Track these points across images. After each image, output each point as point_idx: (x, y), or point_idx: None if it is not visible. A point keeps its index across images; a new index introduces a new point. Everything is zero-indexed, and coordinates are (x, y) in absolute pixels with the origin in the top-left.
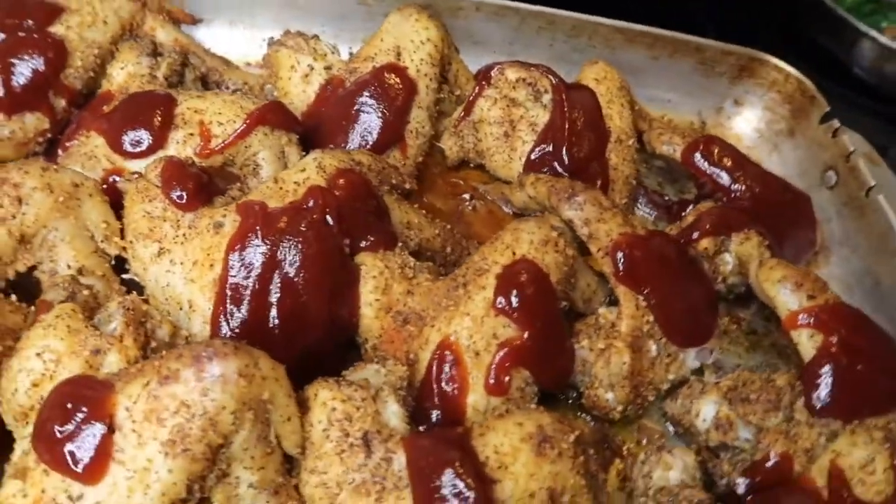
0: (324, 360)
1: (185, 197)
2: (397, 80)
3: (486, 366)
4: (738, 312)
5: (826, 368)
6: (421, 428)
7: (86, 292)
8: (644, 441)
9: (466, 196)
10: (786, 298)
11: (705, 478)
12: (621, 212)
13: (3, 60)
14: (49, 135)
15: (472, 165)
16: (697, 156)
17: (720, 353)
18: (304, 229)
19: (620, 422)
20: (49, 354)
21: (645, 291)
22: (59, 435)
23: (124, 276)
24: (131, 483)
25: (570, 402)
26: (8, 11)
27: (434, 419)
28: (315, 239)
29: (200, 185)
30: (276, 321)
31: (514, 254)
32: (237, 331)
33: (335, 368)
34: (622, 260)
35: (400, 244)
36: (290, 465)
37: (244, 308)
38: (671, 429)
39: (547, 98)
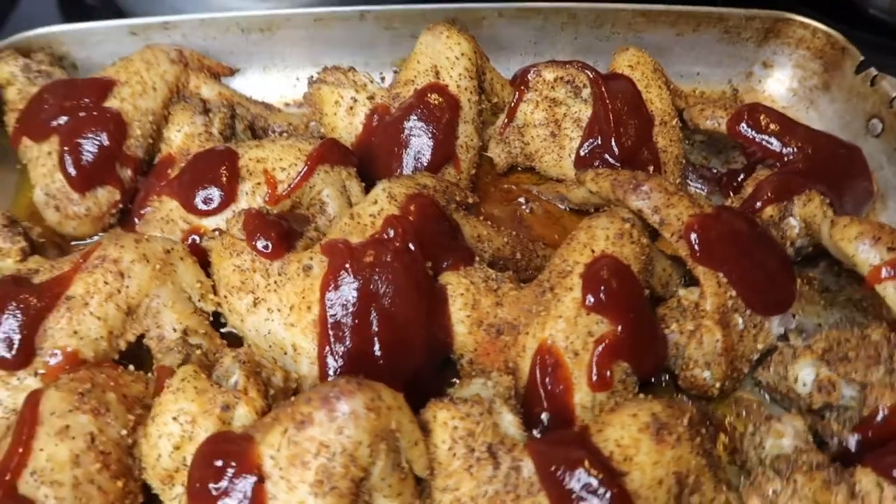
0: (426, 382)
1: (270, 246)
2: (440, 98)
3: (587, 364)
4: (807, 273)
5: None
6: (534, 432)
7: (198, 352)
8: (743, 413)
9: (522, 200)
10: (865, 255)
11: (816, 440)
12: (687, 194)
13: (70, 142)
14: (121, 205)
15: (520, 169)
16: (743, 125)
17: (800, 316)
18: (390, 259)
19: (717, 397)
20: (184, 417)
21: (724, 268)
22: (214, 493)
23: (222, 330)
24: None
25: (665, 385)
26: (63, 94)
27: (543, 421)
28: (403, 267)
29: (282, 231)
30: (381, 351)
31: (592, 251)
32: (344, 366)
33: (437, 388)
34: (697, 241)
35: (477, 258)
36: (420, 486)
37: (347, 343)
38: (767, 397)
39: (587, 92)
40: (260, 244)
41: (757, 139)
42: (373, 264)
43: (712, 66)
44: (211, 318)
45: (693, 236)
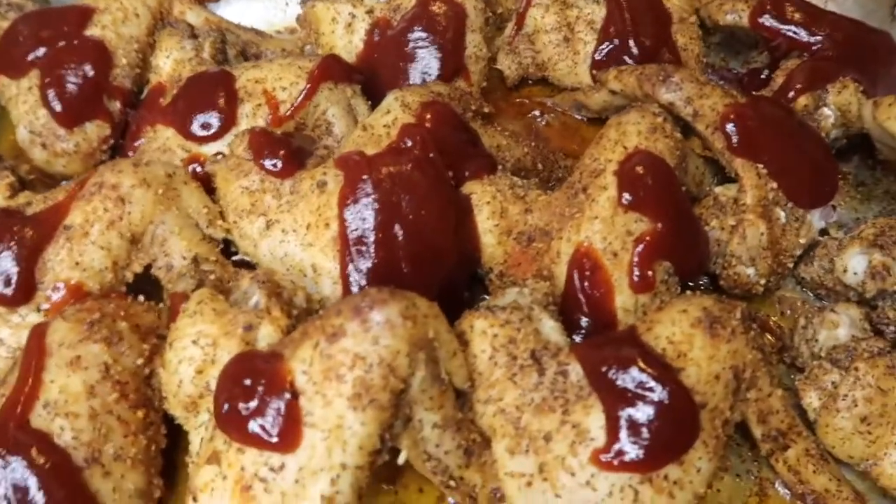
0: (456, 297)
1: (280, 164)
2: (444, 7)
3: (627, 264)
4: (841, 167)
5: None
6: (575, 338)
7: (212, 277)
8: (787, 311)
9: (536, 112)
10: None
11: (872, 329)
12: (719, 84)
13: (51, 74)
14: (111, 140)
15: (531, 82)
16: (767, 17)
17: (840, 211)
18: (411, 168)
19: (758, 297)
20: (204, 339)
21: (763, 158)
22: (245, 412)
23: (233, 258)
24: (328, 443)
25: (703, 289)
26: (39, 23)
27: (584, 326)
28: (425, 175)
29: (291, 148)
30: (407, 266)
31: (625, 148)
32: (369, 284)
33: (466, 306)
34: (734, 131)
35: (499, 167)
36: (460, 400)
37: (372, 259)
38: (810, 294)
39: None
40: (269, 163)
41: (783, 30)
42: (393, 174)
43: None
44: (221, 247)
45: (730, 126)
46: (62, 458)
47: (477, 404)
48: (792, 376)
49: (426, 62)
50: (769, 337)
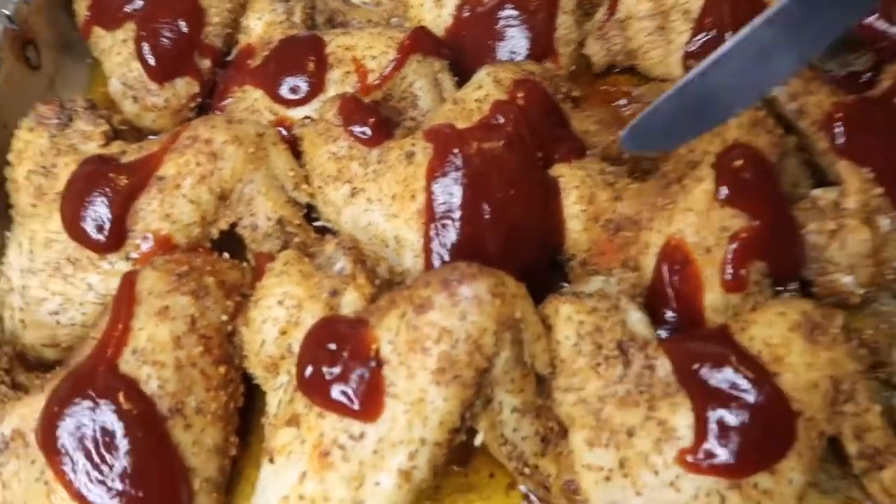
0: (537, 280)
1: (369, 131)
2: None
3: (720, 261)
4: None
5: None
6: (660, 332)
7: (296, 240)
8: (884, 326)
9: (622, 101)
10: None
11: None
12: (826, 80)
13: (147, 28)
14: (199, 98)
15: (617, 70)
16: (874, 18)
17: None
18: (502, 145)
19: (851, 309)
20: (290, 301)
21: (870, 162)
22: (329, 377)
23: (315, 224)
24: (409, 416)
25: (793, 295)
26: None
27: (670, 321)
28: (515, 154)
29: (381, 118)
30: (492, 245)
31: (724, 140)
32: (451, 258)
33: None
34: (841, 131)
35: (588, 151)
36: (540, 386)
37: (456, 235)
38: None
39: None
40: (358, 129)
41: (889, 31)
42: (483, 150)
43: None
44: (304, 211)
45: (837, 126)
46: (148, 406)
47: (557, 392)
48: (886, 394)
49: (515, 41)
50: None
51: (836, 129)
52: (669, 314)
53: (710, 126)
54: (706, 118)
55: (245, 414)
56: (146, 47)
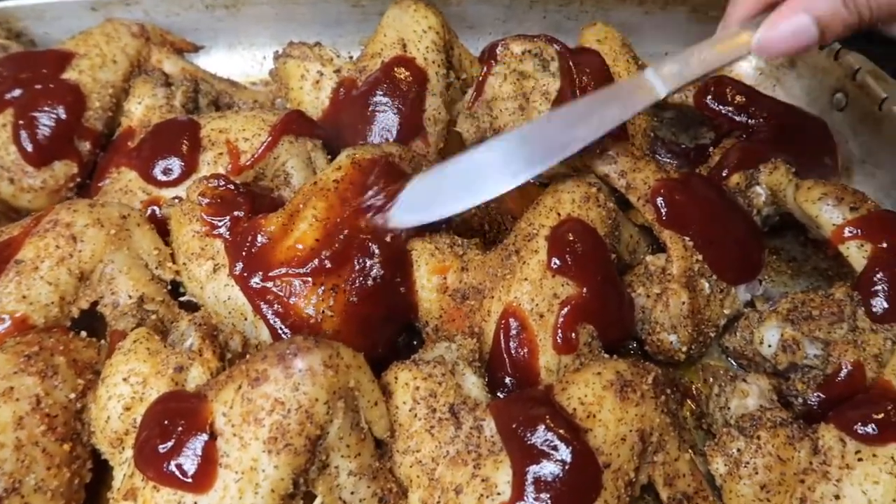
0: (389, 350)
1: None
2: (407, 71)
3: (552, 326)
4: (774, 243)
5: (880, 275)
6: (499, 395)
7: (153, 317)
8: (710, 379)
9: None
10: (829, 214)
11: (781, 401)
12: (653, 160)
13: (25, 115)
14: (78, 179)
15: None
16: (710, 98)
17: (767, 284)
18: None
19: (683, 364)
20: (135, 378)
21: (690, 232)
22: (162, 451)
23: (180, 299)
24: (241, 484)
25: (632, 352)
26: (19, 66)
27: (509, 385)
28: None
29: (252, 205)
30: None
31: (558, 214)
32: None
33: (404, 357)
34: (663, 204)
35: (443, 226)
36: (380, 450)
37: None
38: (733, 364)
39: (555, 65)
40: (222, 228)
41: (723, 111)
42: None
43: (680, 46)
44: (168, 288)
45: (659, 200)
46: None
47: (396, 454)
48: (706, 444)
49: (386, 122)
50: (690, 403)
51: (659, 203)
52: (507, 378)
53: (470, 202)
54: (465, 196)
55: (97, 488)
56: (24, 134)
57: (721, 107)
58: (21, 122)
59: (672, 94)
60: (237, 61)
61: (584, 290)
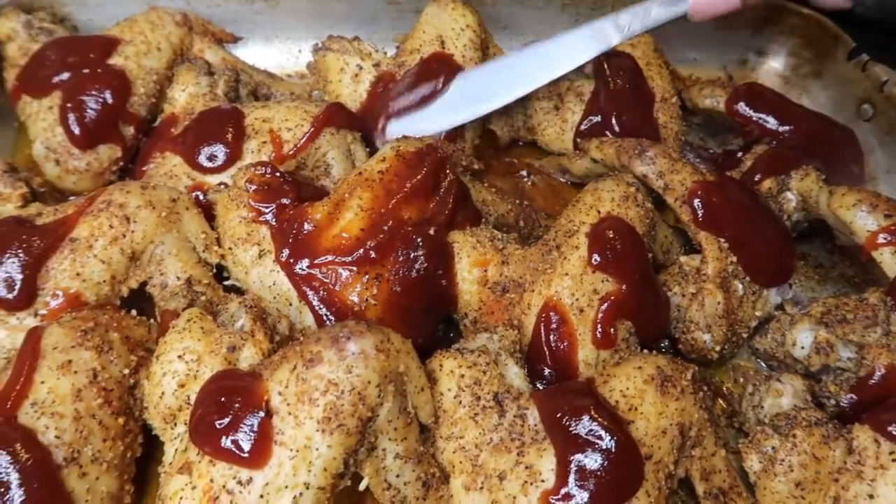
0: (429, 340)
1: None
2: (446, 67)
3: (592, 321)
4: (802, 249)
5: None
6: (538, 386)
7: (202, 298)
8: (741, 379)
9: (524, 173)
10: (863, 221)
11: (814, 401)
12: (690, 162)
13: (73, 98)
14: (122, 162)
15: (521, 144)
16: (742, 104)
17: (797, 289)
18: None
19: (714, 364)
20: (190, 355)
21: (725, 234)
22: (219, 427)
23: (225, 283)
24: (295, 462)
25: (665, 351)
26: (66, 50)
27: (547, 377)
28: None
29: (298, 193)
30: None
31: (598, 212)
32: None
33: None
34: (700, 206)
35: (483, 220)
36: (423, 435)
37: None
38: (763, 365)
39: (589, 67)
40: (268, 215)
41: (754, 118)
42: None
43: (708, 53)
44: (214, 271)
45: (696, 201)
46: (43, 455)
47: (439, 440)
48: (740, 441)
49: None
50: (721, 402)
51: (696, 205)
52: (546, 370)
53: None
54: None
55: (144, 464)
56: (71, 116)
57: (753, 113)
58: (69, 105)
59: (622, 41)
60: (273, 54)
61: (624, 286)
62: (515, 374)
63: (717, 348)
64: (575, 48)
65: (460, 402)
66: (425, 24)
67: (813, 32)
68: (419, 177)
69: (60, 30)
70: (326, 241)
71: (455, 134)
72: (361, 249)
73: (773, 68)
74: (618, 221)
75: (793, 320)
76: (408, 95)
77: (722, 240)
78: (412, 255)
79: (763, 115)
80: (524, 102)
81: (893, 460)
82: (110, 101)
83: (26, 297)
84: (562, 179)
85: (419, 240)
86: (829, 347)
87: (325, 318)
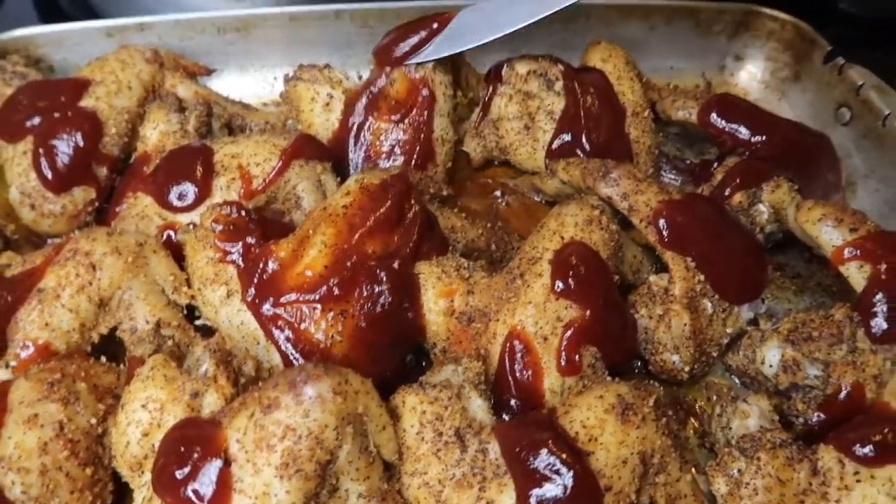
0: (398, 371)
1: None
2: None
3: (556, 348)
4: (778, 259)
5: (880, 296)
6: (504, 417)
7: (169, 342)
8: (713, 397)
9: (498, 193)
10: (829, 235)
11: (782, 420)
12: (655, 181)
13: (44, 143)
14: (97, 203)
15: (496, 163)
16: (713, 115)
17: (771, 301)
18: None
19: (687, 382)
20: (153, 404)
21: (692, 253)
22: (179, 477)
23: (196, 322)
24: None
25: (637, 371)
26: (38, 94)
27: (513, 407)
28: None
29: (264, 231)
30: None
31: (562, 238)
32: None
33: (412, 377)
34: (665, 226)
35: (450, 248)
36: (388, 472)
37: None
38: (737, 381)
39: (559, 85)
40: (234, 254)
41: (726, 128)
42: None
43: (685, 60)
44: (185, 312)
45: (661, 222)
46: None
47: (404, 476)
48: (708, 464)
49: (396, 144)
50: (693, 421)
51: (661, 225)
52: (513, 400)
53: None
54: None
55: None
56: (44, 162)
57: (724, 123)
58: (41, 149)
59: None
60: (248, 83)
61: (588, 312)
62: (479, 407)
63: (687, 369)
64: None
65: (423, 438)
66: None
67: (789, 36)
68: (382, 210)
69: (34, 73)
70: (291, 280)
71: (426, 158)
72: (325, 286)
73: (751, 73)
74: (581, 247)
75: (762, 337)
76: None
77: (689, 259)
78: (376, 289)
79: (735, 126)
80: (495, 122)
81: (858, 481)
82: (82, 143)
83: None
84: (536, 199)
85: (383, 274)
86: (795, 366)
87: (291, 356)
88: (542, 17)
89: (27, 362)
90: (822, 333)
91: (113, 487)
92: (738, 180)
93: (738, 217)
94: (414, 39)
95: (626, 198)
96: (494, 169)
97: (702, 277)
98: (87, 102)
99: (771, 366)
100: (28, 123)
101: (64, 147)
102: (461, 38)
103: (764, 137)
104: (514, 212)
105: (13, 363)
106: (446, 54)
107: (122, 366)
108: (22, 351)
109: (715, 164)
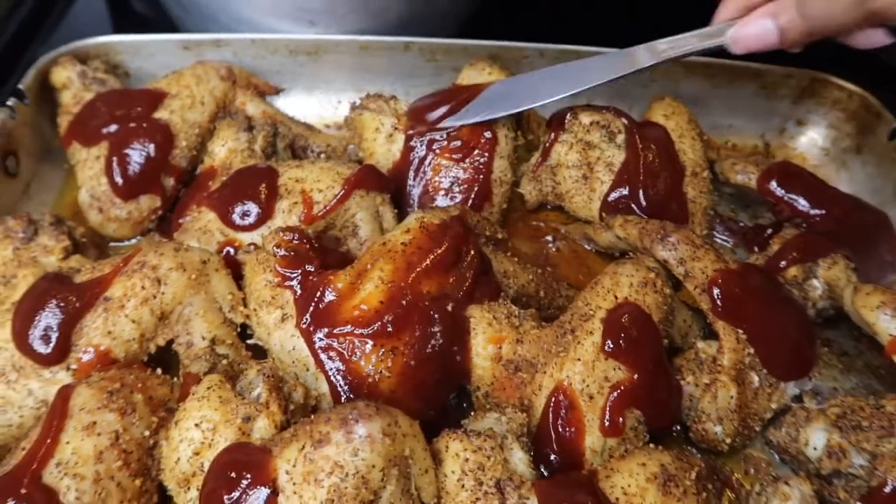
0: (441, 412)
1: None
2: (478, 134)
3: (601, 408)
4: (827, 335)
5: None
6: (542, 470)
7: (224, 362)
8: (752, 471)
9: (549, 238)
10: (886, 324)
11: None
12: (713, 248)
13: (118, 150)
14: (160, 212)
15: (549, 207)
16: (773, 183)
17: (817, 379)
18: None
19: (726, 453)
20: (206, 424)
21: (744, 325)
22: (227, 502)
23: (248, 341)
24: None
25: (676, 435)
26: (116, 103)
27: (552, 461)
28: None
29: (323, 259)
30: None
31: (615, 297)
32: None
33: (452, 420)
34: (719, 296)
35: (502, 293)
36: None
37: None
38: (776, 457)
39: (621, 138)
40: (293, 280)
41: (786, 198)
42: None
43: (746, 120)
44: (239, 329)
45: (716, 291)
46: None
47: None
48: None
49: (456, 183)
50: (729, 493)
51: (716, 294)
52: (553, 455)
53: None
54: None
55: None
56: (116, 168)
57: (784, 193)
58: (114, 156)
59: (655, 65)
60: (314, 104)
61: (636, 375)
62: (520, 460)
63: (728, 440)
64: (607, 65)
65: (463, 486)
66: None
67: (855, 107)
68: (441, 251)
69: (113, 79)
70: (346, 312)
71: (483, 198)
72: (379, 322)
73: (812, 139)
74: (634, 308)
75: (808, 417)
76: (442, 106)
77: (740, 331)
78: (429, 330)
79: (795, 196)
80: (553, 168)
81: None
82: (153, 154)
83: (60, 352)
84: (587, 247)
85: (437, 316)
86: (841, 453)
87: (339, 387)
88: (575, 91)
89: (87, 367)
90: (872, 424)
91: (157, 500)
92: (794, 253)
93: (792, 291)
94: (444, 109)
95: (682, 263)
96: (547, 213)
97: (752, 350)
98: (161, 114)
99: (815, 448)
100: (104, 130)
101: (136, 156)
102: (497, 105)
103: (823, 211)
104: (564, 257)
105: (74, 366)
106: (481, 119)
107: (175, 378)
108: (84, 355)
109: (769, 231)
